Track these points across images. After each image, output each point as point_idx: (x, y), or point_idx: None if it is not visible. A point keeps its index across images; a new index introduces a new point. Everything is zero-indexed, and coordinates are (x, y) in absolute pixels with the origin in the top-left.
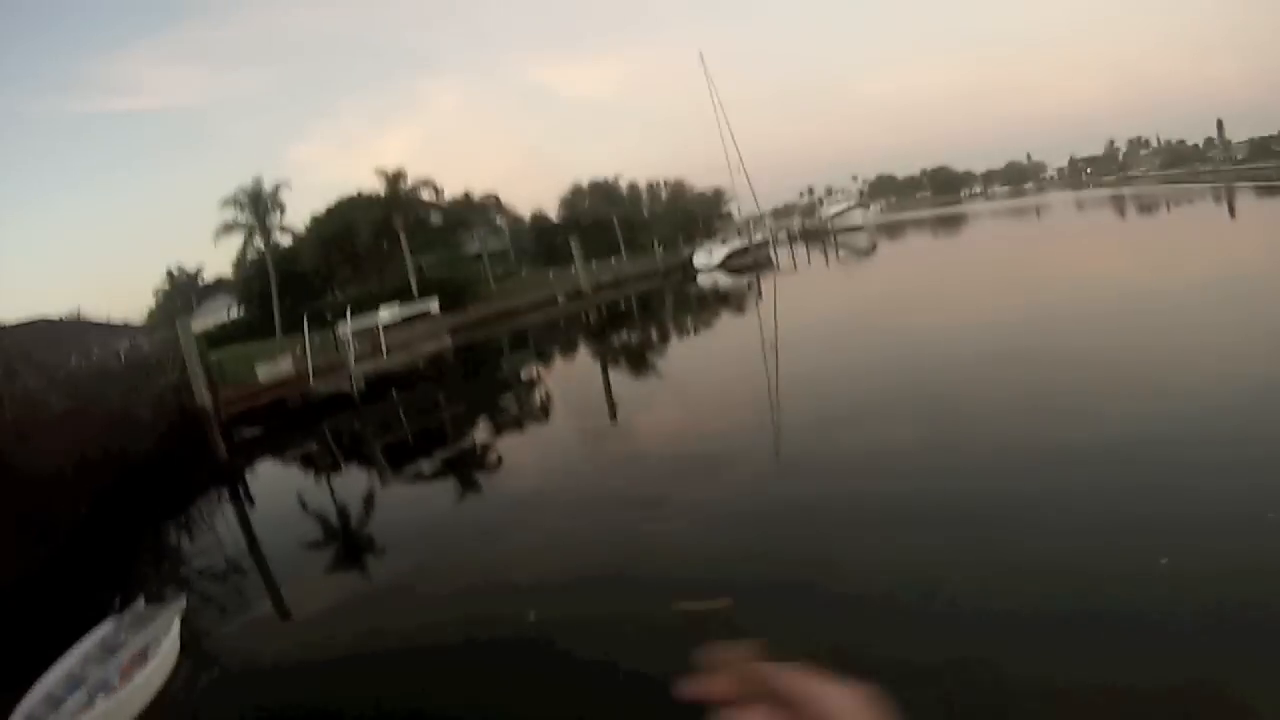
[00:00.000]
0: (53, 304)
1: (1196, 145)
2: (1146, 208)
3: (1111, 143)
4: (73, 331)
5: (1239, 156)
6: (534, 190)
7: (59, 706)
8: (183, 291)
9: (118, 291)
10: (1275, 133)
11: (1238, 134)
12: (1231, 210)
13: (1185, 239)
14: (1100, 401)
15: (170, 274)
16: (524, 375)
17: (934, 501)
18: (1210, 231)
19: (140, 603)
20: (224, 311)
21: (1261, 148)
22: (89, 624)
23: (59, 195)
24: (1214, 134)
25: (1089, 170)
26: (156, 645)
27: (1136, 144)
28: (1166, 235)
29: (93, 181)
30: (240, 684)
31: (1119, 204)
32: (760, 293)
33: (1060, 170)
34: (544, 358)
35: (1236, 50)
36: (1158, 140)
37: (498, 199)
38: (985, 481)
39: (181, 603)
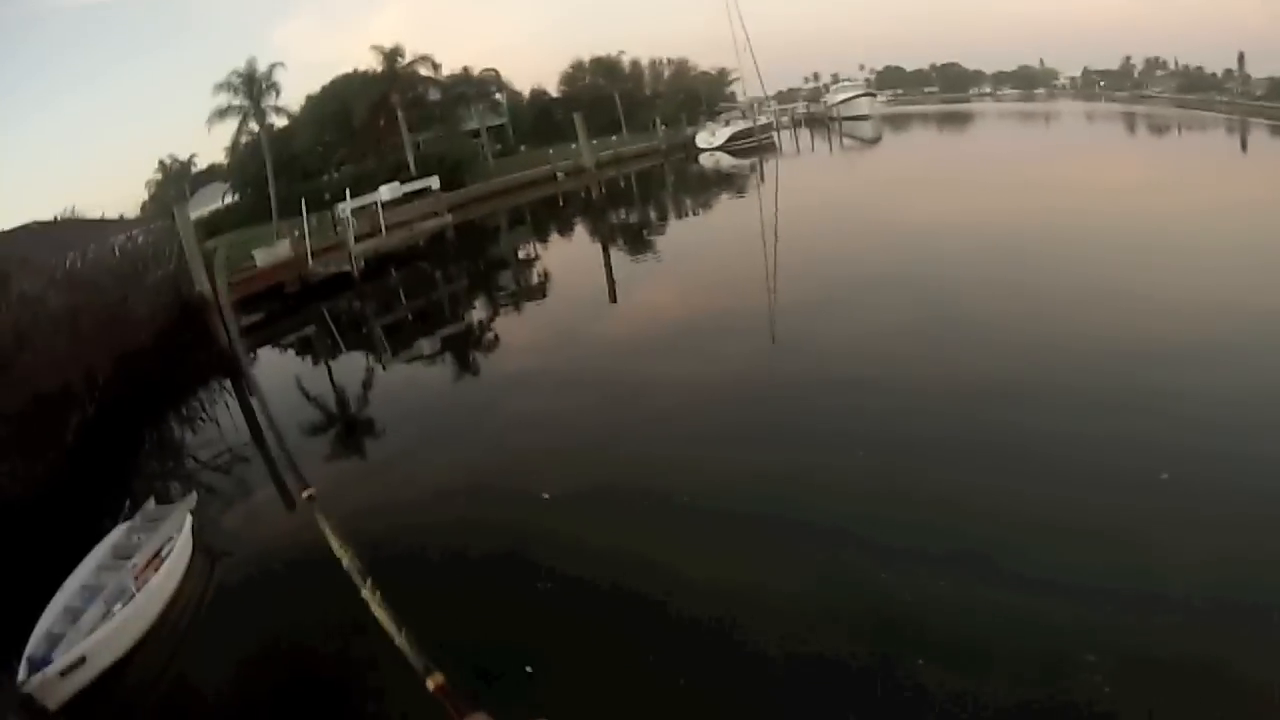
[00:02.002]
0: (46, 207)
1: (1214, 74)
2: (1158, 129)
3: (1128, 59)
4: (67, 231)
5: (1257, 93)
6: (534, 67)
7: (78, 620)
8: (176, 181)
9: (111, 187)
10: None
11: (1257, 71)
12: (1244, 144)
13: (1191, 166)
14: (1084, 311)
15: (162, 164)
16: (523, 253)
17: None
18: (1218, 163)
19: (150, 504)
20: (219, 199)
21: None
22: (103, 529)
23: (42, 95)
24: (1233, 66)
25: (1102, 83)
26: (170, 546)
27: (1153, 64)
28: (1173, 160)
29: (76, 76)
30: (252, 578)
31: (1130, 121)
32: (763, 176)
33: (1073, 80)
34: (543, 235)
35: None
36: (1175, 63)
37: (497, 74)
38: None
39: (192, 500)
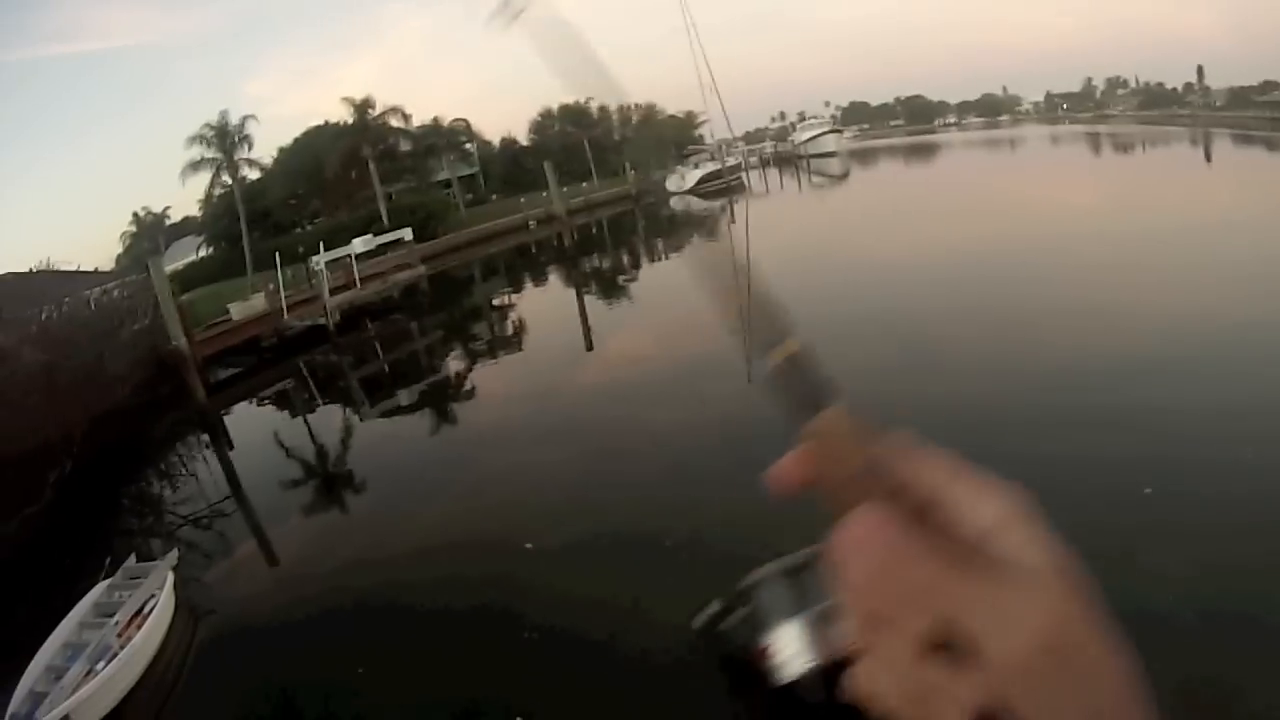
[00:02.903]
0: (21, 258)
1: (1175, 89)
2: (1122, 147)
3: (1089, 80)
4: (42, 283)
5: (1217, 104)
6: (503, 115)
7: (61, 678)
8: (150, 234)
9: (85, 239)
10: (1255, 83)
11: (1217, 82)
12: (1208, 156)
13: (1156, 183)
14: (1058, 331)
15: (136, 216)
16: (498, 303)
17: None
18: (1185, 176)
19: (132, 560)
20: (193, 251)
21: (1240, 97)
22: (85, 586)
23: (16, 146)
24: (1193, 80)
25: (1065, 106)
26: (152, 603)
27: (1114, 83)
28: (1138, 178)
29: (50, 129)
30: (235, 635)
31: (1094, 141)
32: (733, 217)
33: (1036, 104)
34: (517, 284)
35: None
36: (1136, 81)
37: (467, 123)
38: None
39: (173, 557)
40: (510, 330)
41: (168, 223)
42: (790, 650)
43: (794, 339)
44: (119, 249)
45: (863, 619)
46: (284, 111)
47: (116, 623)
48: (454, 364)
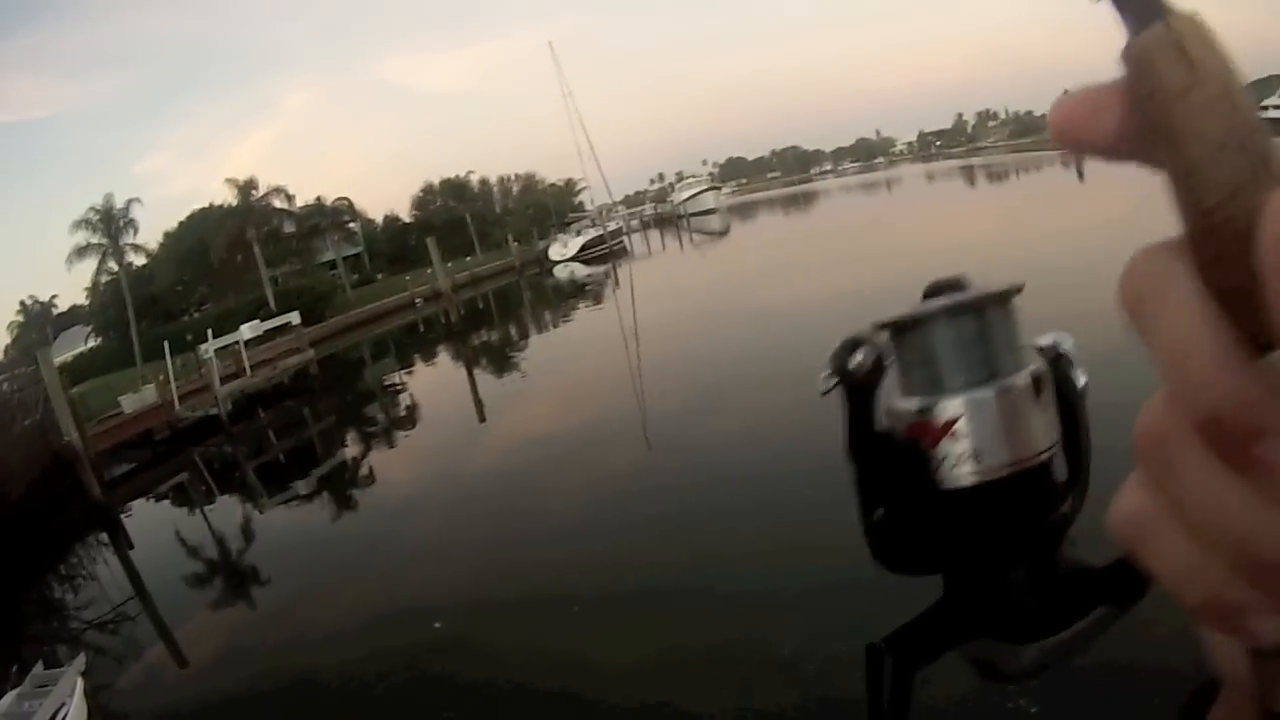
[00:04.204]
0: None
1: (1044, 116)
2: (995, 176)
3: (960, 116)
4: None
5: None
6: (387, 190)
7: None
8: (38, 323)
9: None
10: None
11: None
12: (1080, 174)
13: (1025, 204)
14: None
15: (23, 305)
16: (389, 383)
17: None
18: (1057, 195)
19: (39, 667)
20: (82, 341)
21: None
22: None
23: None
24: None
25: (938, 144)
26: (64, 712)
27: (985, 116)
28: (1008, 201)
29: None
30: None
31: (967, 174)
32: (618, 281)
33: (909, 144)
34: (407, 364)
35: (1095, 22)
36: (1006, 112)
37: (350, 202)
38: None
39: (81, 662)
40: (403, 410)
41: (55, 311)
42: (961, 445)
43: None
44: (7, 340)
45: (1229, 396)
46: (174, 191)
47: None
48: (350, 447)
